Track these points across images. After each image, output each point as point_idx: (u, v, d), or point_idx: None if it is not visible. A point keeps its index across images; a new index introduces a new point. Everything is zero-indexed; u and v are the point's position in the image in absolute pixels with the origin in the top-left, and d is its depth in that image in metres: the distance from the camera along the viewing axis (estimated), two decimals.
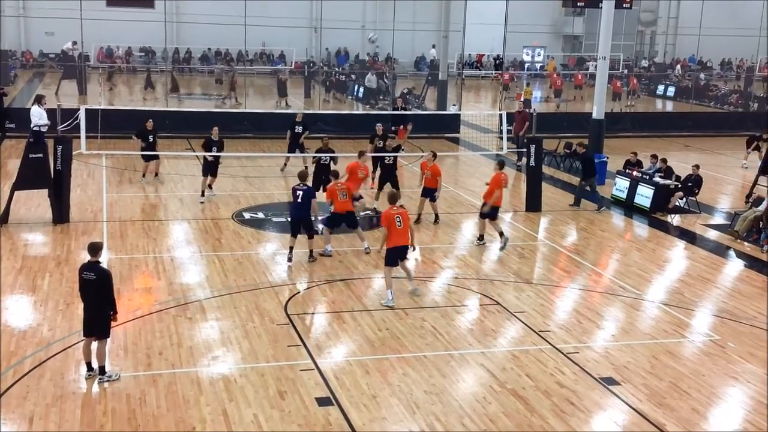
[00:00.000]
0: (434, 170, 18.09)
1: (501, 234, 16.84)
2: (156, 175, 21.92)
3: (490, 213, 16.82)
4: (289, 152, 23.22)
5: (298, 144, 23.07)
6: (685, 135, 32.77)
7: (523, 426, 9.77)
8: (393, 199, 14.09)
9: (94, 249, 10.48)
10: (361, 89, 40.03)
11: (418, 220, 18.14)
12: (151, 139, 21.50)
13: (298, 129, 23.06)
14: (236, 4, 34.21)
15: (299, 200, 15.16)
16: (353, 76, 43.52)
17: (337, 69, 45.58)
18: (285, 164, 23.64)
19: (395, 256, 13.61)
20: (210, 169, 19.95)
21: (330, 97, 39.23)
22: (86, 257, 10.65)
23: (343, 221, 16.09)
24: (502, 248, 16.65)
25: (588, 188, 20.72)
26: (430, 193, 18.29)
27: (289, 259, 15.34)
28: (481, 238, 17.11)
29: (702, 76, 48.45)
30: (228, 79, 38.04)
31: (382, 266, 14.93)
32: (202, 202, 19.48)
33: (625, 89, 42.17)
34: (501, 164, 17.33)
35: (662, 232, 19.06)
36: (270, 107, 35.41)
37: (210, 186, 20.02)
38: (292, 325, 12.47)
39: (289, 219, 15.68)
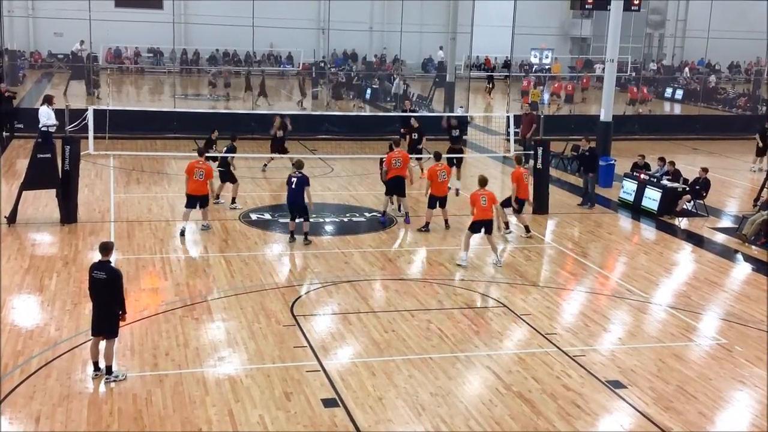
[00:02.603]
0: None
1: (507, 225, 18.08)
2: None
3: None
4: (271, 152, 23.38)
5: (280, 145, 23.25)
6: (692, 138, 32.68)
7: (529, 429, 9.75)
8: (483, 182, 16.01)
9: (106, 249, 10.53)
10: (368, 90, 40.00)
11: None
12: (213, 148, 21.51)
13: (280, 132, 23.25)
14: (244, 6, 34.27)
15: (293, 187, 16.28)
16: (360, 78, 43.55)
17: (333, 68, 45.54)
18: (266, 165, 23.73)
19: (479, 227, 15.69)
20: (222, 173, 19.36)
21: (350, 100, 39.18)
22: (94, 257, 10.70)
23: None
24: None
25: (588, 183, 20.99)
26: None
27: (291, 240, 16.76)
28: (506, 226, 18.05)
29: (713, 78, 48.32)
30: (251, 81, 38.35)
31: (389, 268, 14.99)
32: (216, 202, 19.04)
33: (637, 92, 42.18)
34: (518, 160, 18.67)
35: (669, 235, 19.02)
36: (277, 108, 35.43)
37: (233, 199, 19.31)
38: (299, 326, 12.48)
39: (287, 205, 16.92)
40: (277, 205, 19.72)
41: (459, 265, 15.55)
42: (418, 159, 23.47)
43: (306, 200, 16.43)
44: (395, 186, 18.57)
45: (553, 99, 42.35)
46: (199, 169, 16.98)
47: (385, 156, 18.92)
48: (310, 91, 37.68)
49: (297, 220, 16.75)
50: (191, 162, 17.29)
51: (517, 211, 18.09)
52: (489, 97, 44.91)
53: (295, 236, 16.74)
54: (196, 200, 17.16)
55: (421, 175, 23.34)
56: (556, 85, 43.96)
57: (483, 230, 15.78)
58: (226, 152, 19.71)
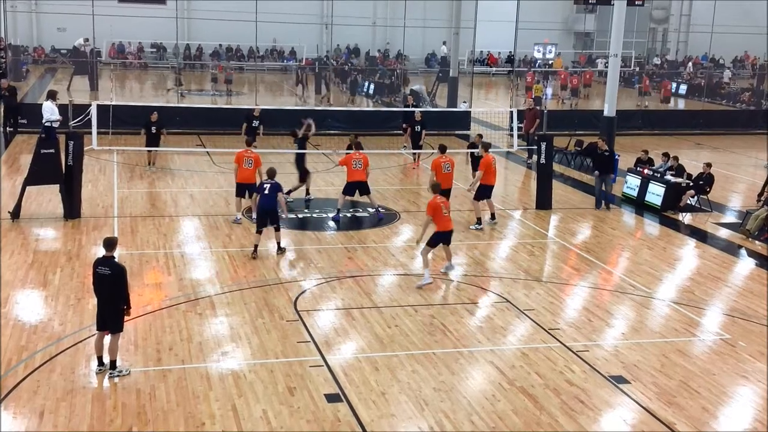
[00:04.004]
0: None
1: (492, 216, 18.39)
2: (153, 164, 22.32)
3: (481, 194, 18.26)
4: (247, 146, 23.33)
5: (254, 139, 23.18)
6: (696, 133, 32.63)
7: (532, 424, 9.76)
8: (438, 188, 14.88)
9: (110, 244, 10.54)
10: (372, 86, 40.02)
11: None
12: (153, 130, 22.06)
13: (255, 123, 23.33)
14: (247, 1, 34.27)
15: (266, 192, 15.47)
16: (360, 75, 43.55)
17: (335, 62, 45.54)
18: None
19: (440, 240, 14.48)
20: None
21: (341, 93, 39.18)
22: (97, 252, 10.73)
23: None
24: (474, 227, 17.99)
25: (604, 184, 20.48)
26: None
27: (254, 256, 15.41)
28: (478, 222, 18.13)
29: (728, 73, 48.26)
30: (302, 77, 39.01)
31: (392, 263, 14.98)
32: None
33: (637, 86, 42.21)
34: (486, 146, 18.62)
35: (673, 230, 19.00)
36: (279, 104, 35.46)
37: (307, 191, 19.59)
38: (302, 322, 12.49)
39: (256, 213, 16.00)
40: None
41: (421, 286, 14.05)
42: (417, 154, 23.59)
43: (280, 208, 15.67)
44: (360, 190, 18.42)
45: (561, 92, 42.26)
46: (248, 158, 17.40)
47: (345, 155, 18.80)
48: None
49: (271, 226, 15.71)
50: (239, 152, 17.66)
51: (487, 197, 18.28)
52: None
53: (258, 250, 15.51)
54: (246, 188, 17.55)
55: (414, 166, 23.57)
56: (561, 77, 43.88)
57: (443, 242, 14.58)
58: (298, 148, 19.79)
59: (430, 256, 14.43)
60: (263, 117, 24.12)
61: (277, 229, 15.75)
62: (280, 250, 15.75)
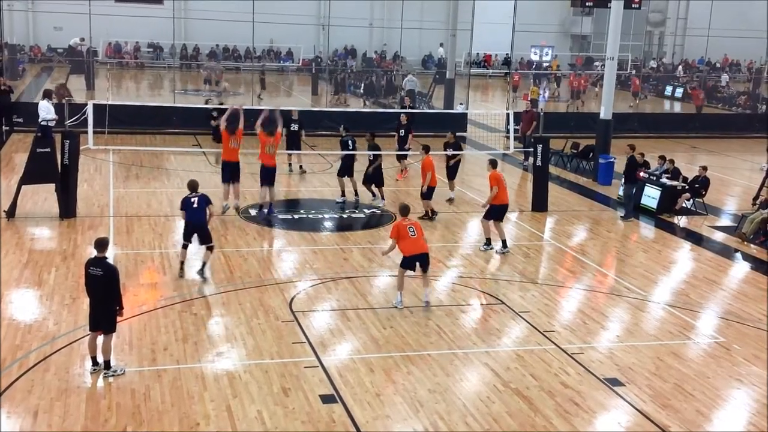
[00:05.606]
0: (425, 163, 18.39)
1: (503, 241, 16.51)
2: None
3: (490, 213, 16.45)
4: (288, 150, 23.17)
5: (296, 142, 22.87)
6: (692, 136, 32.69)
7: (527, 426, 9.76)
8: (406, 210, 13.42)
9: (101, 245, 10.53)
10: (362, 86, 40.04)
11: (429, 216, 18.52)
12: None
13: (294, 127, 22.75)
14: (244, 1, 34.25)
15: (195, 206, 14.08)
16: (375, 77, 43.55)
17: (332, 65, 45.54)
18: (290, 165, 23.32)
19: (412, 263, 13.13)
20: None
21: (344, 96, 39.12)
22: (92, 252, 10.69)
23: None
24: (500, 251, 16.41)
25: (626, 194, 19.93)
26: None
27: (181, 275, 14.18)
28: (488, 242, 16.61)
29: (725, 77, 48.34)
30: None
31: (388, 264, 14.95)
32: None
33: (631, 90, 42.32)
34: (493, 163, 16.77)
35: (668, 233, 19.03)
36: (277, 104, 35.39)
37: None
38: (297, 322, 12.48)
39: (184, 228, 14.43)
40: (275, 201, 19.72)
41: (395, 307, 13.14)
42: (403, 157, 23.22)
43: (209, 218, 14.34)
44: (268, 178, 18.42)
45: (569, 95, 42.32)
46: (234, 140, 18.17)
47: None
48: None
49: (201, 245, 14.41)
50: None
51: (498, 219, 16.48)
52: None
53: (184, 268, 14.33)
54: (229, 167, 18.05)
55: (398, 176, 23.13)
56: (571, 78, 43.84)
57: (418, 264, 13.19)
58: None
59: (405, 276, 13.30)
60: (302, 119, 22.99)
61: (209, 249, 14.33)
62: (201, 272, 14.21)
